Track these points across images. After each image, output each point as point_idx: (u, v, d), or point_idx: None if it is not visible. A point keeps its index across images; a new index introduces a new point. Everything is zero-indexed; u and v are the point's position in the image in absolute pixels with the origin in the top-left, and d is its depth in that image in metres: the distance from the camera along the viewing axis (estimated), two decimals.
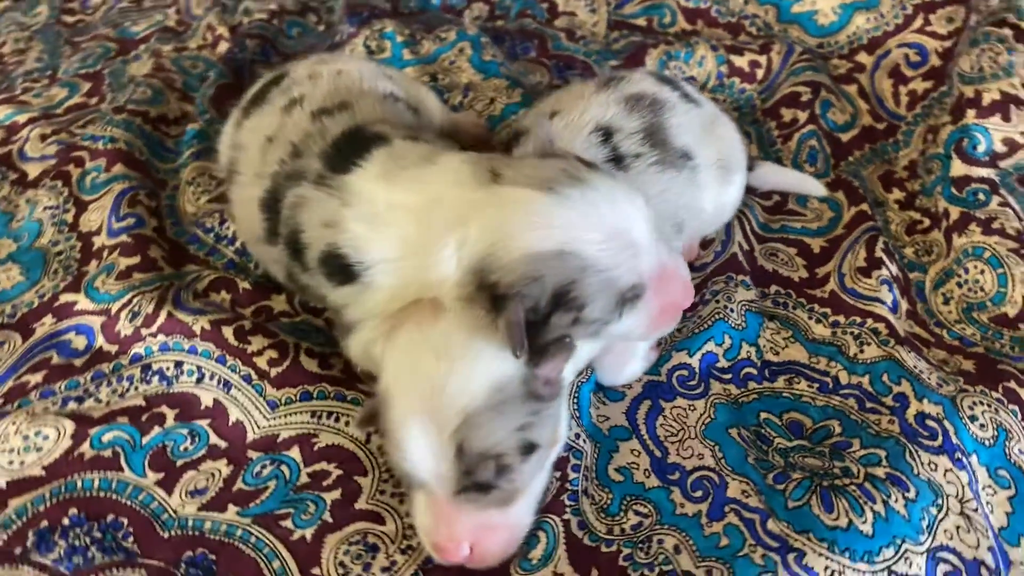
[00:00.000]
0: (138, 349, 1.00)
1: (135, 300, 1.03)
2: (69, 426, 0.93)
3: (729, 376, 0.97)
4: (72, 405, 0.96)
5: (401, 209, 0.82)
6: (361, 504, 0.87)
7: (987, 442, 0.87)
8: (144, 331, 1.01)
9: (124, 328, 1.02)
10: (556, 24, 1.62)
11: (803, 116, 1.31)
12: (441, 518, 0.76)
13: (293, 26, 1.59)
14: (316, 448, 0.91)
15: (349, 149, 0.90)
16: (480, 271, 0.75)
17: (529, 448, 0.77)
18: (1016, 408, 0.91)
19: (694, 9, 1.58)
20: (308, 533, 0.85)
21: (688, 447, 0.89)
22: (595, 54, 1.50)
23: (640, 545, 0.80)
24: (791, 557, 0.76)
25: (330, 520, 0.86)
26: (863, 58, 1.43)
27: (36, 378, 0.99)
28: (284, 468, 0.90)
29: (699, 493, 0.84)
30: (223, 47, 1.55)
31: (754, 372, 0.97)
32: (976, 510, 0.82)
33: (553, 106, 1.02)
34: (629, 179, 0.92)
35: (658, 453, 0.90)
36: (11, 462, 0.90)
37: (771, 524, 0.79)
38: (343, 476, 0.89)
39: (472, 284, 0.76)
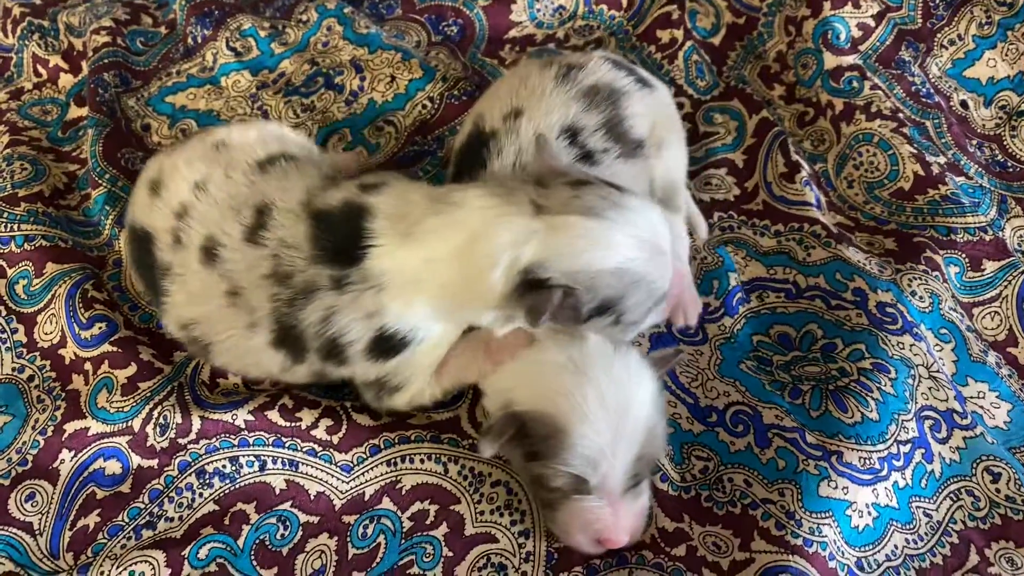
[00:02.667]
0: (184, 457, 1.00)
1: (156, 412, 1.01)
2: (159, 556, 0.93)
3: (721, 312, 1.12)
4: (147, 533, 0.97)
5: (439, 261, 0.88)
6: (470, 530, 0.97)
7: (927, 310, 1.10)
8: (183, 440, 1.01)
9: (157, 441, 1.01)
10: None
11: (679, 34, 1.42)
12: (610, 516, 0.87)
13: (135, 36, 1.45)
14: (404, 492, 0.98)
15: (342, 239, 0.91)
16: (531, 272, 0.85)
17: (666, 449, 0.93)
18: (938, 273, 1.13)
19: None
20: (438, 572, 0.94)
21: (712, 388, 1.05)
22: None
23: (715, 487, 0.97)
24: (834, 459, 0.95)
25: (450, 554, 0.95)
26: None
27: (92, 519, 0.98)
28: (386, 520, 0.97)
29: (740, 428, 1.00)
30: (66, 79, 1.40)
31: (742, 295, 1.12)
32: (939, 371, 1.05)
33: (515, 103, 1.06)
34: (601, 172, 1.01)
35: (690, 400, 1.05)
36: None
37: (809, 437, 0.97)
38: (441, 509, 0.98)
39: (513, 284, 0.86)
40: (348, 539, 0.96)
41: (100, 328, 1.09)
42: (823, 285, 1.13)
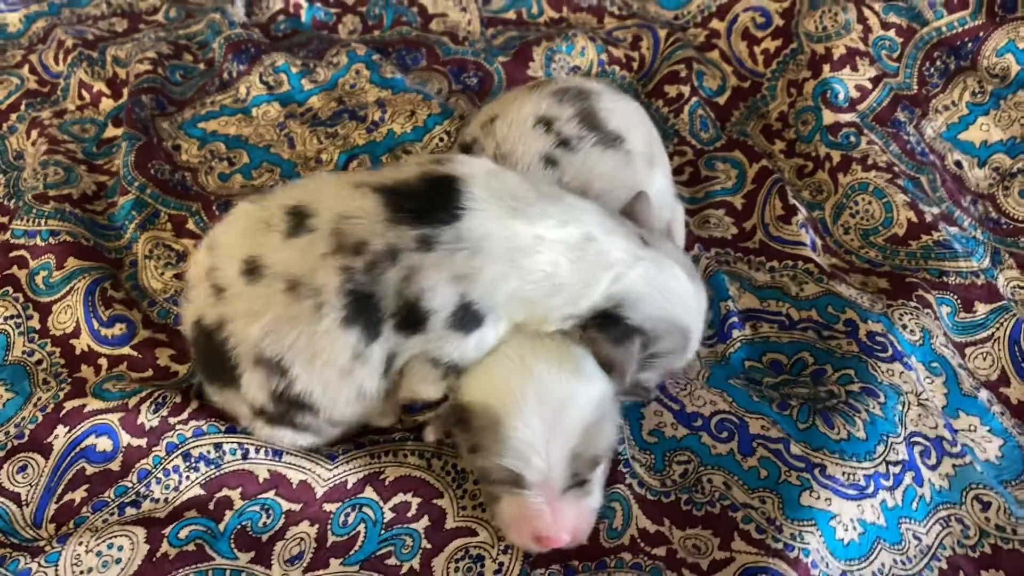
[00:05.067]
0: (171, 439, 1.00)
1: (157, 394, 1.03)
2: (140, 532, 0.94)
3: (714, 340, 1.14)
4: (131, 511, 0.97)
5: (552, 243, 0.89)
6: (451, 524, 0.96)
7: (917, 343, 1.11)
8: (172, 419, 1.02)
9: (148, 419, 1.02)
10: (431, 28, 1.69)
11: (686, 90, 1.49)
12: (548, 514, 0.88)
13: (175, 70, 1.55)
14: (387, 483, 0.98)
15: (429, 201, 0.89)
16: (620, 303, 0.90)
17: (612, 447, 0.93)
18: (929, 311, 1.15)
19: None
20: (415, 563, 0.93)
21: (699, 396, 1.05)
22: (483, 53, 1.59)
23: (694, 488, 0.97)
24: (817, 471, 0.95)
25: (429, 546, 0.94)
26: (716, 24, 1.62)
27: (79, 494, 0.99)
28: (367, 510, 0.97)
29: (724, 434, 1.00)
30: (106, 104, 1.49)
31: (737, 321, 1.14)
32: (928, 400, 1.05)
33: (490, 113, 1.13)
34: (580, 160, 1.07)
35: (675, 407, 1.05)
36: None
37: (793, 448, 0.97)
38: (424, 503, 0.98)
39: (599, 308, 0.90)
40: (328, 526, 0.96)
41: (121, 329, 1.13)
42: (815, 317, 1.15)
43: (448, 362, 0.92)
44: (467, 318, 0.90)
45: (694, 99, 1.48)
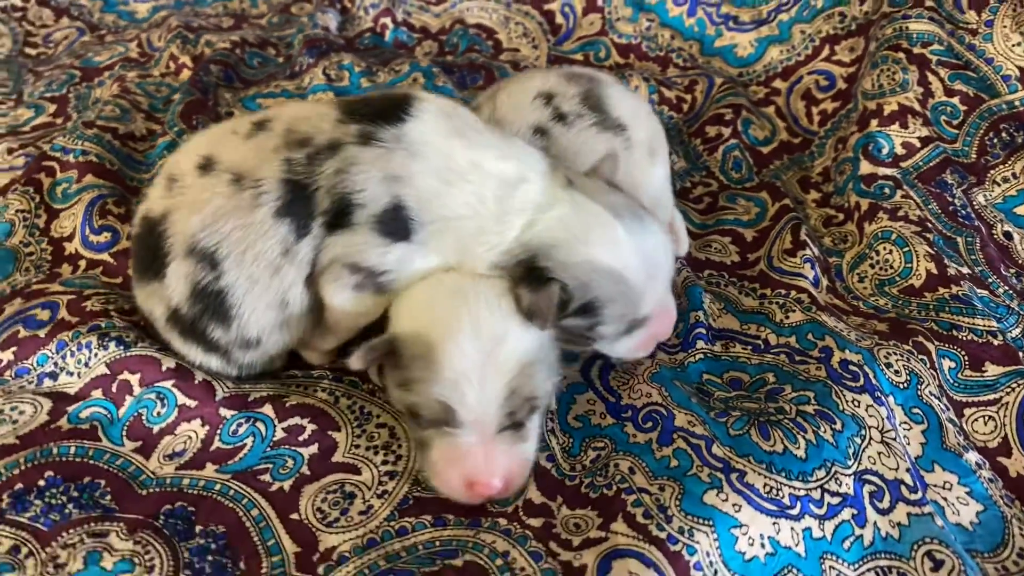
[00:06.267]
0: (99, 321, 1.01)
1: (110, 296, 1.06)
2: (46, 403, 0.95)
3: (678, 347, 1.05)
4: (48, 383, 0.98)
5: (484, 173, 0.88)
6: (338, 458, 0.92)
7: (901, 385, 0.98)
8: (110, 307, 1.04)
9: (92, 306, 1.04)
10: (501, 59, 1.75)
11: (727, 132, 1.45)
12: (481, 454, 0.82)
13: (254, 57, 1.68)
14: (288, 406, 0.96)
15: (382, 107, 0.90)
16: (535, 252, 0.86)
17: (550, 392, 0.88)
18: (925, 358, 1.02)
19: (626, 45, 1.73)
20: (286, 484, 0.89)
21: (637, 390, 0.97)
22: None
23: (599, 473, 0.87)
24: (734, 476, 0.84)
25: (308, 473, 0.90)
26: (778, 84, 1.58)
27: (7, 355, 1.01)
28: (260, 425, 0.94)
29: (649, 424, 0.91)
30: (186, 74, 1.62)
31: (703, 332, 1.06)
32: (895, 438, 0.92)
33: (500, 85, 1.14)
34: (573, 136, 1.04)
35: (611, 399, 0.98)
36: None
37: (715, 448, 0.87)
38: (318, 431, 0.94)
39: (519, 257, 0.87)
40: (218, 431, 0.94)
41: (106, 237, 1.18)
42: (793, 344, 1.05)
43: (367, 268, 0.90)
44: (394, 225, 0.88)
45: (733, 141, 1.44)
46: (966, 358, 1.04)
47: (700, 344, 1.05)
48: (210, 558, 0.82)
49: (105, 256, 1.16)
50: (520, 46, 1.77)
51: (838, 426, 0.90)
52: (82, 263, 1.17)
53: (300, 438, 0.93)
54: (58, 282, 1.11)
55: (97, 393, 0.96)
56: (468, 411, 0.82)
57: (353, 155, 0.88)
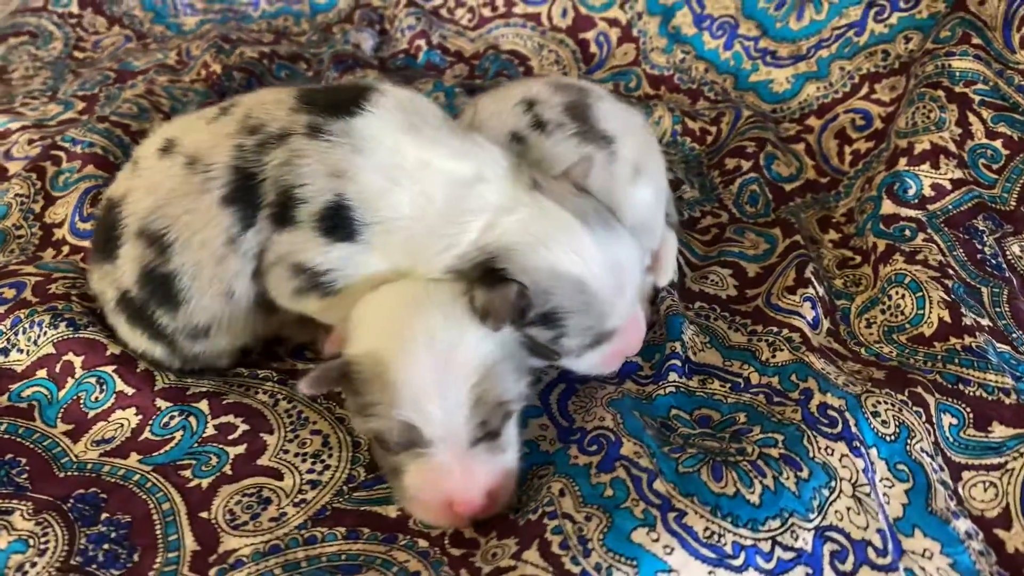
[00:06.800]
0: (57, 304, 1.01)
1: (81, 282, 1.06)
2: None
3: (649, 378, 0.97)
4: (0, 358, 0.98)
5: (435, 171, 0.83)
6: (264, 461, 0.87)
7: (888, 438, 0.87)
8: (74, 293, 1.03)
9: (57, 289, 1.04)
10: None
11: (747, 164, 1.38)
12: (458, 471, 0.76)
13: (283, 69, 1.70)
14: (224, 403, 0.92)
15: (338, 97, 0.87)
16: (494, 255, 0.80)
17: (523, 395, 0.81)
18: (921, 410, 0.91)
19: (659, 76, 1.68)
20: (205, 482, 0.85)
21: (592, 413, 0.89)
22: None
23: (532, 497, 0.80)
24: (671, 516, 0.75)
25: (229, 472, 0.86)
26: (812, 122, 1.50)
27: None
28: (192, 419, 0.91)
29: (594, 448, 0.83)
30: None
31: (678, 364, 0.97)
32: (869, 494, 0.81)
33: (485, 93, 1.11)
34: (551, 145, 0.98)
35: (565, 423, 0.92)
36: None
37: (657, 484, 0.78)
38: (250, 432, 0.90)
39: (476, 260, 0.81)
40: (150, 422, 0.91)
41: (92, 225, 1.18)
42: (775, 384, 0.95)
43: (309, 269, 0.85)
44: (337, 223, 0.83)
45: (752, 174, 1.36)
46: (971, 415, 0.92)
47: (673, 376, 0.96)
48: (106, 547, 0.79)
49: (87, 243, 1.16)
50: (550, 73, 1.74)
51: (804, 474, 0.81)
52: (65, 248, 1.18)
53: (230, 437, 0.89)
54: (34, 264, 1.11)
55: (41, 373, 0.95)
56: (434, 428, 0.75)
57: (299, 147, 0.84)
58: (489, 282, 0.79)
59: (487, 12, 1.84)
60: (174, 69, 1.71)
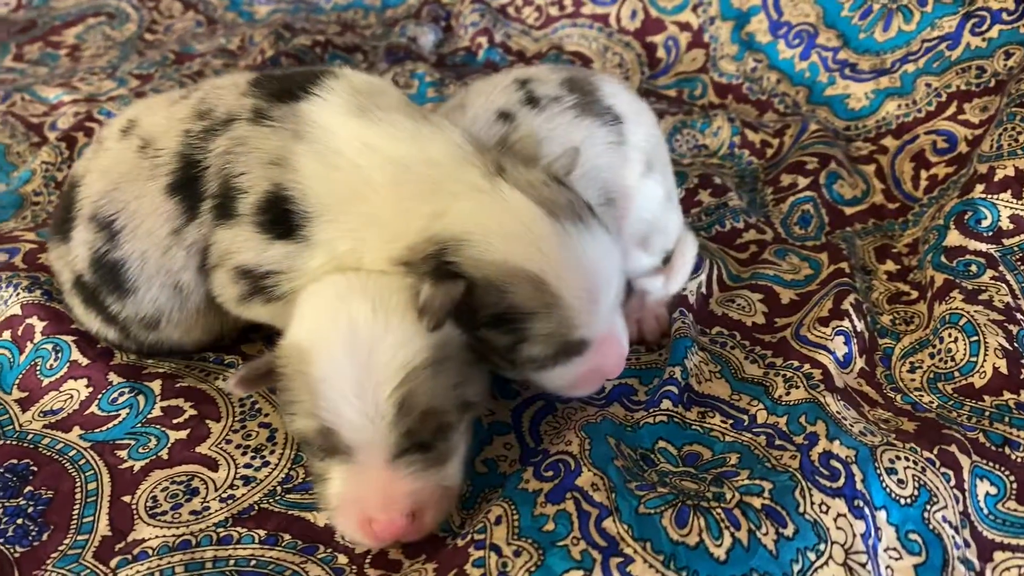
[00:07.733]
0: (40, 275, 0.99)
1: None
2: None
3: (641, 404, 0.87)
4: None
5: (381, 155, 0.76)
6: (203, 449, 0.82)
7: (903, 500, 0.73)
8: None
9: (46, 259, 1.00)
10: None
11: (803, 182, 1.24)
12: (376, 486, 0.68)
13: (335, 58, 1.67)
14: (177, 387, 0.88)
15: (289, 83, 0.81)
16: (443, 248, 0.71)
17: (466, 406, 0.72)
18: (950, 472, 0.76)
19: (726, 84, 1.56)
20: (137, 465, 0.80)
21: (561, 435, 0.79)
22: None
23: (471, 519, 0.71)
24: (614, 561, 0.64)
25: (165, 457, 0.81)
26: (888, 142, 1.35)
27: None
28: (140, 398, 0.86)
29: (550, 473, 0.72)
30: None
31: (675, 391, 0.86)
32: (865, 565, 0.68)
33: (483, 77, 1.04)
34: (542, 121, 0.89)
35: (532, 444, 0.83)
36: None
37: (608, 523, 0.67)
38: (196, 417, 0.85)
39: (423, 252, 0.72)
40: (99, 397, 0.87)
41: None
42: (781, 426, 0.83)
43: (251, 272, 0.79)
44: (277, 216, 0.77)
45: (808, 193, 1.22)
46: (1014, 485, 0.77)
47: (666, 404, 0.85)
48: (19, 521, 0.75)
49: None
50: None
51: (788, 531, 0.68)
52: None
53: (175, 420, 0.85)
54: (36, 232, 1.10)
55: (7, 335, 0.93)
56: (353, 433, 0.67)
57: (242, 134, 0.78)
58: (437, 276, 0.71)
59: (554, 11, 1.76)
60: (233, 54, 1.71)
